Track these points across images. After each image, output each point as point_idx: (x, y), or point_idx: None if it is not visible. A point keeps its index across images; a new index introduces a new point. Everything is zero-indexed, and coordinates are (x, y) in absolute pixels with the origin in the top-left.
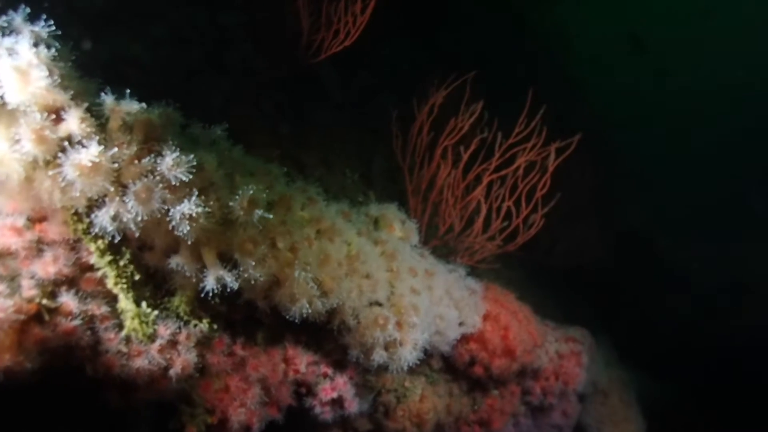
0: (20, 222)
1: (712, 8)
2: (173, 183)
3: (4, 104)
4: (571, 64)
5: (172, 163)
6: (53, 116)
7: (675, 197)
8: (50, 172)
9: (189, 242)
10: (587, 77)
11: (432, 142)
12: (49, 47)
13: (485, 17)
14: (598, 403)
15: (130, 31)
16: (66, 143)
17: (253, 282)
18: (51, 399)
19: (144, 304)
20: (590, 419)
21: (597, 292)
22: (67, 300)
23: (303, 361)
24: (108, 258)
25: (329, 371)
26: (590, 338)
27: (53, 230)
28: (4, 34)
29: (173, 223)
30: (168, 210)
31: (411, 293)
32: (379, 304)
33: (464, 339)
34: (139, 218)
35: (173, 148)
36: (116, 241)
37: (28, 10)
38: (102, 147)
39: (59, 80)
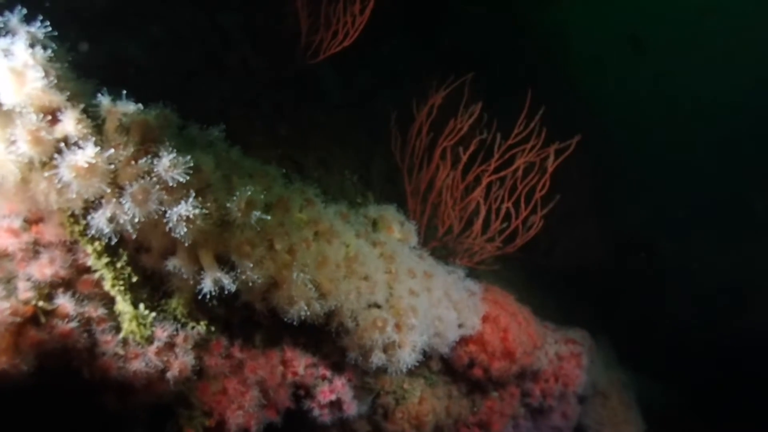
0: (17, 223)
1: (711, 8)
2: (170, 184)
3: (0, 105)
4: (571, 65)
5: (168, 165)
6: (49, 117)
7: (675, 198)
8: (46, 174)
9: (186, 244)
10: (587, 78)
11: (431, 143)
12: (45, 48)
13: (485, 18)
14: (598, 405)
15: (128, 31)
16: (62, 144)
17: (250, 284)
18: (47, 401)
19: (142, 306)
20: (590, 421)
21: (597, 293)
22: (64, 302)
23: (301, 363)
24: (105, 260)
25: (328, 373)
26: (590, 340)
27: (50, 232)
28: (0, 35)
29: (170, 224)
30: (165, 212)
31: (410, 295)
32: (378, 306)
33: (463, 341)
34: (136, 220)
35: (170, 149)
36: (113, 242)
37: (24, 11)
38: (98, 148)
39: (55, 81)
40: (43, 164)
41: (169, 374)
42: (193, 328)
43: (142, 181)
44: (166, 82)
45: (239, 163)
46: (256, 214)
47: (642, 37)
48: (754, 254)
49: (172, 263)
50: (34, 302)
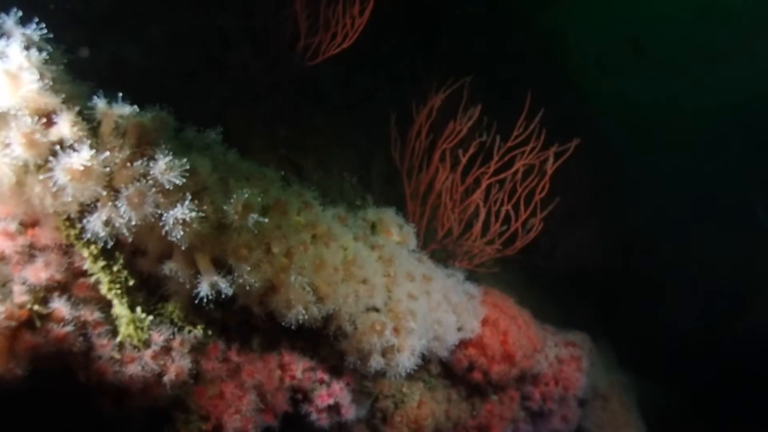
0: (12, 227)
1: (711, 9)
2: (166, 187)
3: None
4: (571, 66)
5: (164, 167)
6: (44, 120)
7: (675, 199)
8: (41, 177)
9: (182, 247)
10: (586, 79)
11: (431, 145)
12: (40, 50)
13: (484, 19)
14: (599, 408)
15: (128, 33)
16: (57, 147)
17: (248, 288)
18: (43, 405)
19: (139, 309)
20: (590, 424)
21: (597, 295)
22: (59, 306)
23: (299, 367)
24: (101, 263)
25: (326, 377)
26: (590, 343)
27: (45, 235)
28: None
29: (166, 228)
30: (161, 215)
31: (408, 298)
32: (376, 310)
33: (463, 344)
34: (132, 223)
35: (166, 152)
36: (109, 246)
37: (20, 13)
38: (94, 151)
39: (51, 84)
40: (39, 167)
41: (165, 378)
42: (189, 331)
43: (137, 184)
44: (166, 84)
45: (236, 165)
46: (253, 217)
47: (641, 38)
48: (754, 256)
49: (169, 267)
50: (29, 306)
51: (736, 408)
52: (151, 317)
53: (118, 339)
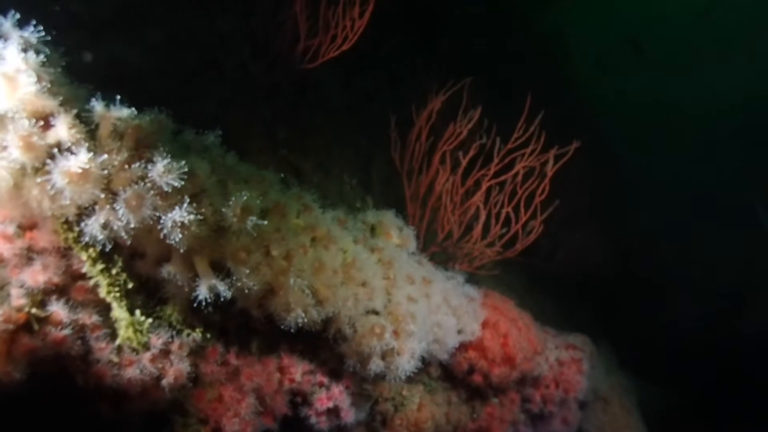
0: (10, 230)
1: (711, 9)
2: (164, 190)
3: None
4: (571, 67)
5: (163, 170)
6: (42, 123)
7: (675, 200)
8: (39, 180)
9: (181, 250)
10: (587, 80)
11: (431, 147)
12: (38, 53)
13: (484, 19)
14: (599, 411)
15: (128, 35)
16: (55, 150)
17: (246, 291)
18: (41, 409)
19: (138, 312)
20: (591, 427)
21: (598, 297)
22: (57, 309)
23: (298, 370)
24: (100, 266)
25: (325, 380)
26: (591, 345)
27: (43, 238)
28: None
29: (165, 230)
30: (159, 217)
31: (408, 301)
32: (376, 313)
33: (463, 347)
34: (130, 226)
35: (164, 154)
36: (107, 249)
37: (17, 15)
38: (91, 154)
39: (48, 86)
40: (36, 170)
41: (164, 381)
42: (188, 335)
43: (136, 187)
44: (165, 86)
45: (235, 168)
46: (252, 219)
47: (641, 39)
48: (754, 256)
49: (167, 270)
50: (26, 309)
51: (736, 408)
52: (150, 320)
53: (117, 342)
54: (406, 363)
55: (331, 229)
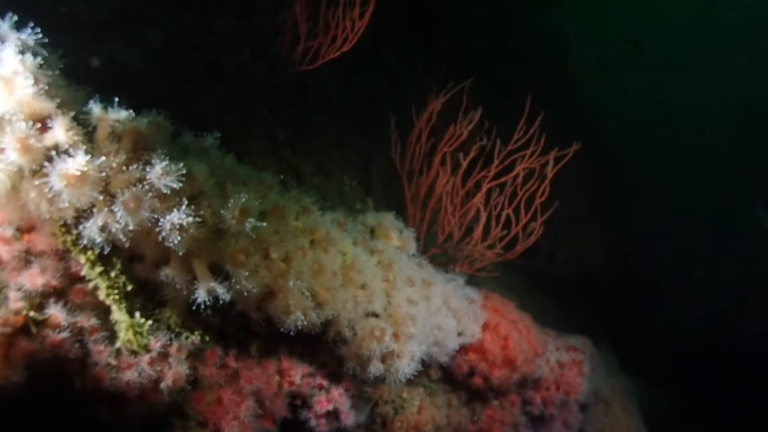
0: (8, 232)
1: (711, 9)
2: (163, 192)
3: None
4: (571, 67)
5: (161, 172)
6: (39, 125)
7: (675, 200)
8: (36, 183)
9: (179, 253)
10: (587, 80)
11: (431, 148)
12: (35, 55)
13: (484, 19)
14: (600, 413)
15: (127, 37)
16: (52, 152)
17: (245, 293)
18: (40, 412)
19: (137, 314)
20: (592, 429)
21: (598, 299)
22: (55, 312)
23: (298, 372)
24: (99, 269)
25: (325, 383)
26: (592, 347)
27: (42, 241)
28: None
29: (163, 233)
30: (158, 220)
31: (408, 303)
32: (376, 315)
33: (463, 349)
34: (129, 228)
35: (162, 156)
36: (106, 252)
37: (15, 17)
38: (89, 156)
39: (46, 88)
40: (34, 173)
41: (162, 384)
42: (187, 337)
43: (134, 189)
44: (165, 87)
45: (234, 170)
46: (251, 222)
47: (641, 39)
48: (754, 256)
49: (165, 273)
50: (24, 312)
51: (736, 408)
52: (150, 322)
53: (117, 344)
54: (406, 365)
55: (330, 231)
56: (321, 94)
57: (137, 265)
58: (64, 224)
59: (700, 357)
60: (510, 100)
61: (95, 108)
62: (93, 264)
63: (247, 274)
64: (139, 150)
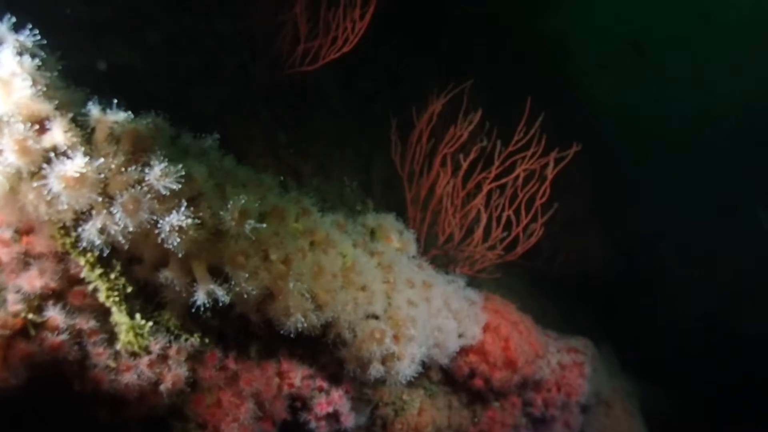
0: (7, 234)
1: (711, 10)
2: (162, 193)
3: None
4: (571, 68)
5: (160, 174)
6: (37, 127)
7: (675, 200)
8: (35, 184)
9: (179, 255)
10: (587, 81)
11: (431, 150)
12: (34, 56)
13: (484, 19)
14: (601, 414)
15: (127, 38)
16: (51, 154)
17: (245, 295)
18: (39, 414)
19: (138, 316)
20: (593, 430)
21: (599, 300)
22: (54, 314)
23: (298, 374)
24: (98, 271)
25: (325, 385)
26: (593, 348)
27: (40, 243)
28: None
29: (162, 235)
30: (157, 221)
31: (408, 305)
32: (376, 317)
33: (464, 351)
34: (128, 230)
35: (161, 158)
36: (105, 254)
37: (13, 18)
38: (88, 158)
39: (44, 90)
40: (32, 174)
41: (162, 387)
42: (186, 340)
43: (132, 191)
44: (165, 88)
45: (233, 172)
46: (250, 223)
47: (642, 41)
48: (754, 257)
49: (164, 275)
50: (23, 314)
51: (736, 408)
52: (150, 323)
53: (118, 346)
54: (406, 367)
55: (330, 232)
56: (321, 95)
57: (136, 267)
58: (63, 226)
59: (700, 357)
60: (510, 101)
61: (94, 109)
62: (93, 266)
63: (246, 276)
64: (138, 151)
